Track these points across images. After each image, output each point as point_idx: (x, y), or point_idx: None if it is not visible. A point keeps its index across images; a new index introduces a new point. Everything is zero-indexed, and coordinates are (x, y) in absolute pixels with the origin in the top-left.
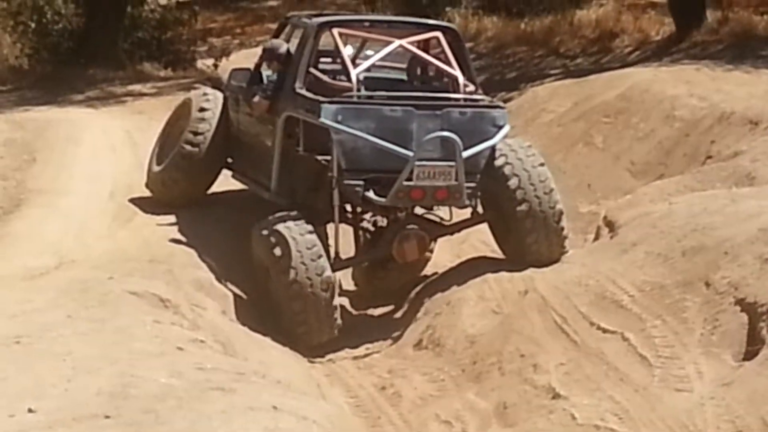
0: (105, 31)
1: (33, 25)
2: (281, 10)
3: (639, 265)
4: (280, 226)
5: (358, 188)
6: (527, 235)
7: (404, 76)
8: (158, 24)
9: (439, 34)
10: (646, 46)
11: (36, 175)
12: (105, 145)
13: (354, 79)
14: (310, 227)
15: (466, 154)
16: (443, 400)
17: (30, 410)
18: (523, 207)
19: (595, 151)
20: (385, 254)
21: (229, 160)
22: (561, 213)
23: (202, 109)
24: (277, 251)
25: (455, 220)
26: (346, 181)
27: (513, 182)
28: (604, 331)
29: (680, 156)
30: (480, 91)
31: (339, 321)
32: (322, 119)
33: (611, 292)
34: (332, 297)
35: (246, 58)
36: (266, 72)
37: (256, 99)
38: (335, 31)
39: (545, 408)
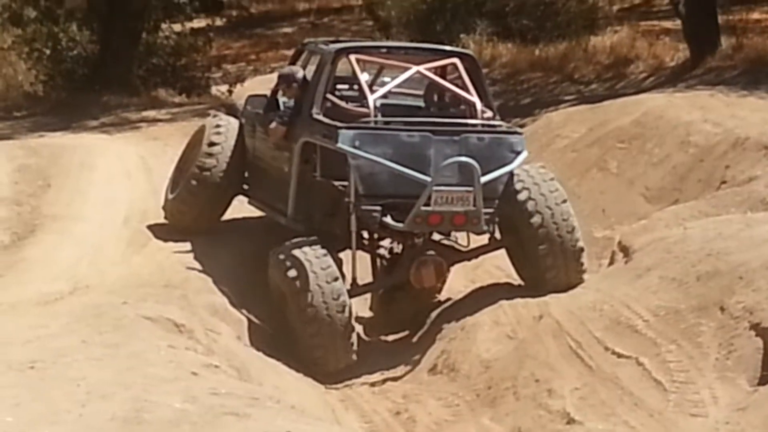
0: (119, 57)
1: (48, 51)
2: (296, 37)
3: (654, 290)
4: (296, 251)
5: (375, 213)
6: (547, 271)
7: (421, 103)
8: (173, 50)
9: (456, 60)
10: (661, 72)
11: (50, 201)
12: (119, 171)
13: (371, 104)
14: (325, 251)
15: (484, 179)
16: (458, 425)
17: None
18: (545, 246)
19: (609, 176)
20: (403, 280)
21: (245, 186)
22: (582, 251)
23: (214, 135)
24: (293, 274)
25: (472, 246)
26: (363, 207)
27: (536, 220)
28: (619, 356)
29: (695, 181)
30: (498, 117)
31: (355, 346)
32: (339, 144)
33: (626, 317)
34: (349, 320)
35: (260, 84)
36: (282, 98)
37: (273, 125)
38: (352, 57)
39: None
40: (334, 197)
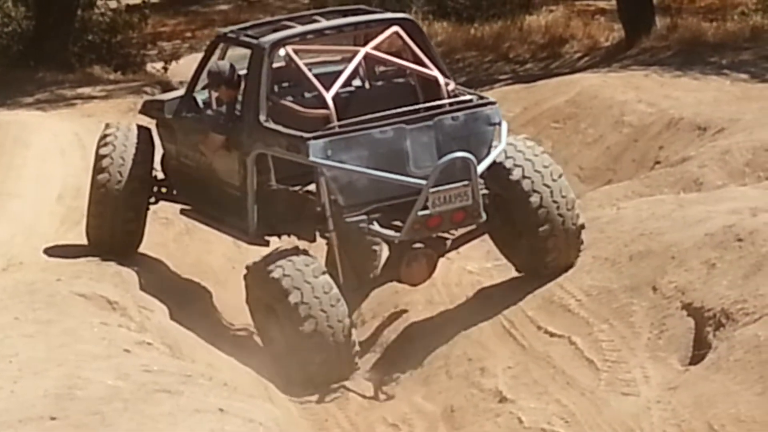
0: (55, 34)
1: None
2: (231, 15)
3: (586, 270)
4: (283, 263)
5: (362, 224)
6: (547, 254)
7: (340, 66)
8: (108, 27)
9: (397, 28)
10: (596, 52)
11: None
12: (54, 147)
13: (330, 103)
14: (315, 259)
15: (480, 168)
16: (390, 403)
17: None
18: (546, 228)
19: None
20: (393, 278)
21: (163, 191)
22: (582, 227)
23: (102, 147)
24: (286, 285)
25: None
26: (347, 218)
27: (535, 200)
28: (551, 335)
29: (629, 161)
30: (455, 84)
31: (358, 354)
32: (311, 158)
33: (558, 296)
34: (350, 327)
35: (196, 62)
36: (200, 96)
37: (209, 136)
38: (289, 48)
39: (492, 411)
40: (294, 203)
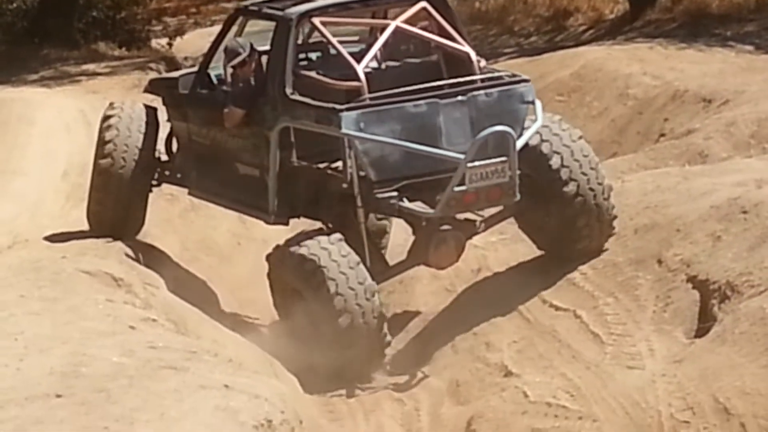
0: (59, 10)
1: None
2: None
3: None
4: (317, 251)
5: (392, 200)
6: (579, 241)
7: (377, 45)
8: (113, 3)
9: (424, 4)
10: (600, 25)
11: None
12: (59, 124)
13: (362, 76)
14: (343, 241)
15: (518, 145)
16: (395, 377)
17: None
18: (582, 218)
19: None
20: (421, 262)
21: (177, 175)
22: (610, 188)
23: (106, 131)
24: (311, 267)
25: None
26: (379, 194)
27: (571, 188)
28: (557, 308)
29: (633, 134)
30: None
31: (389, 338)
32: (343, 130)
33: (564, 270)
34: (382, 312)
35: (201, 37)
36: (214, 73)
37: (228, 109)
38: (317, 20)
39: (498, 386)
40: (317, 182)
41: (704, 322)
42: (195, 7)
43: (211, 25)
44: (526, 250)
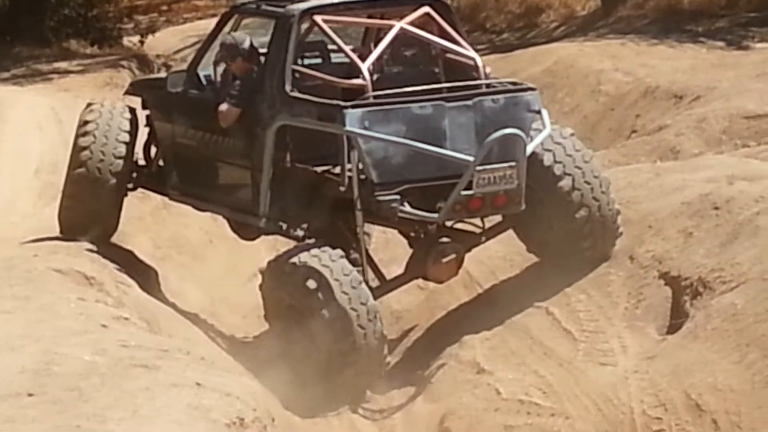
0: (31, 8)
1: None
2: None
3: None
4: (318, 267)
5: (394, 204)
6: (582, 240)
7: (382, 45)
8: (84, 1)
9: (428, 9)
10: (572, 21)
11: None
12: (30, 122)
13: (366, 74)
14: (341, 254)
15: (528, 150)
16: None
17: None
18: (582, 212)
19: None
20: (419, 275)
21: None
22: (618, 213)
23: (81, 136)
24: (312, 285)
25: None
26: (380, 197)
27: (566, 183)
28: (529, 305)
29: (605, 130)
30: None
31: (389, 359)
32: (347, 128)
33: (537, 266)
34: (382, 328)
35: (173, 35)
36: (203, 72)
37: (224, 107)
38: (319, 18)
39: (470, 383)
40: (311, 185)
41: (676, 319)
42: (167, 4)
43: (183, 22)
44: (499, 247)
